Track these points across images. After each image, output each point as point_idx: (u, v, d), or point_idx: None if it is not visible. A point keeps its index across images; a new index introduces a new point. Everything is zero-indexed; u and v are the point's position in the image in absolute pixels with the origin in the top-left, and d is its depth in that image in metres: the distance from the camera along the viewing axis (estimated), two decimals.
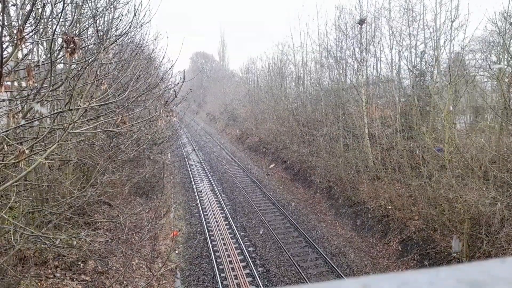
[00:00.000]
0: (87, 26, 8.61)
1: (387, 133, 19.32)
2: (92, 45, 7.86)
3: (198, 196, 24.46)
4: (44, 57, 8.80)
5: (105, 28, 9.08)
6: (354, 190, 20.31)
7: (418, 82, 20.13)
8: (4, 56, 4.06)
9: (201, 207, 22.21)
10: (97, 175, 9.68)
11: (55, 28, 5.23)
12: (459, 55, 16.83)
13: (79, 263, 10.77)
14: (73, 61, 5.58)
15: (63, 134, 4.43)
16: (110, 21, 9.88)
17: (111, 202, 14.11)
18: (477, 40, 19.05)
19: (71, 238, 7.95)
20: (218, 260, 15.29)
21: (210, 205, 22.55)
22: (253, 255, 15.94)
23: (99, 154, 10.73)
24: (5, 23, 5.55)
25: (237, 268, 14.55)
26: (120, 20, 9.89)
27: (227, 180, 28.82)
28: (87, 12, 8.45)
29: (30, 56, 8.14)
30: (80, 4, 7.82)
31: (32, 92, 5.06)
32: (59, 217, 8.88)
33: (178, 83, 5.62)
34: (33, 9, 5.26)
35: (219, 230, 18.51)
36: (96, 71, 5.00)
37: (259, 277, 13.88)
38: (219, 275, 14.14)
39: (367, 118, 20.95)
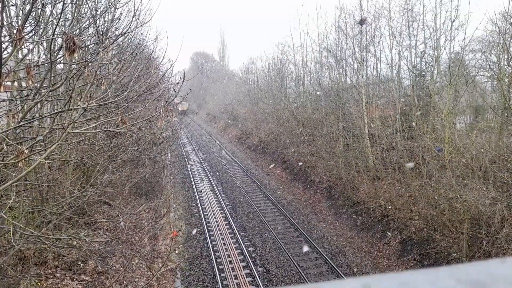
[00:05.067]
0: (87, 26, 8.61)
1: (387, 133, 19.32)
2: (92, 45, 7.86)
3: (198, 196, 24.47)
4: (44, 57, 8.80)
5: (105, 28, 9.09)
6: (354, 190, 20.31)
7: (418, 82, 20.13)
8: (4, 56, 4.06)
9: (201, 207, 22.22)
10: (97, 175, 9.68)
11: (55, 28, 5.23)
12: (459, 55, 16.83)
13: (79, 263, 10.77)
14: (73, 61, 5.58)
15: (63, 134, 4.43)
16: (110, 21, 9.89)
17: (111, 202, 14.12)
18: (477, 40, 19.06)
19: (71, 238, 7.95)
20: (218, 260, 15.29)
21: (210, 205, 22.55)
22: (253, 255, 15.94)
23: (99, 154, 10.73)
24: (5, 23, 5.55)
25: (237, 268, 14.55)
26: (120, 20, 9.90)
27: (227, 180, 28.83)
28: (87, 12, 8.45)
29: (30, 56, 8.14)
30: (80, 4, 7.82)
31: (32, 92, 5.05)
32: (59, 217, 8.88)
33: (178, 83, 5.62)
34: (33, 9, 5.26)
35: (219, 230, 18.51)
36: (96, 71, 5.00)
37: (259, 277, 13.88)
38: (219, 275, 14.14)
39: (367, 118, 20.96)
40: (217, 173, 31.07)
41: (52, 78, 4.64)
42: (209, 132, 59.92)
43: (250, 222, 19.72)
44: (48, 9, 7.08)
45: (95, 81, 4.86)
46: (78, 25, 7.55)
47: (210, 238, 17.50)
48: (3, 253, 7.44)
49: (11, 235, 5.94)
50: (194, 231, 17.38)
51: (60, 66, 8.66)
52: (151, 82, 7.43)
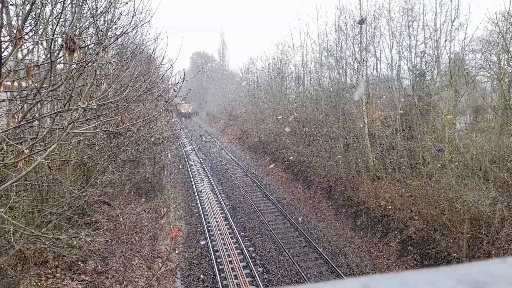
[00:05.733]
0: (87, 26, 8.61)
1: (387, 133, 19.31)
2: (92, 45, 7.86)
3: (198, 196, 24.47)
4: (44, 57, 8.80)
5: (105, 28, 9.08)
6: (354, 190, 20.31)
7: (418, 82, 20.13)
8: (4, 56, 4.05)
9: (201, 207, 22.22)
10: (97, 175, 9.67)
11: (55, 28, 5.23)
12: (459, 55, 16.82)
13: (79, 263, 10.77)
14: (73, 61, 5.58)
15: (62, 134, 4.43)
16: (110, 21, 9.88)
17: (111, 202, 14.12)
18: (478, 40, 19.06)
19: (71, 238, 7.94)
20: (218, 260, 15.29)
21: (210, 205, 22.55)
22: (253, 255, 15.94)
23: (99, 154, 10.74)
24: (5, 23, 5.55)
25: (237, 268, 14.55)
26: (120, 19, 9.90)
27: (227, 180, 28.83)
28: (87, 12, 8.45)
29: (30, 56, 8.14)
30: (80, 4, 7.82)
31: (32, 92, 5.06)
32: (59, 217, 8.88)
33: (177, 83, 5.62)
34: (33, 8, 5.26)
35: (219, 230, 18.51)
36: (96, 71, 5.00)
37: (259, 277, 13.88)
38: (219, 275, 14.14)
39: (367, 118, 20.96)
40: (217, 173, 31.07)
41: (52, 78, 4.64)
42: (209, 132, 59.90)
43: (250, 222, 19.72)
44: (48, 9, 7.09)
45: (95, 81, 4.86)
46: (78, 25, 7.55)
47: (210, 238, 17.50)
48: (3, 253, 7.43)
49: (11, 235, 5.94)
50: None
51: (60, 66, 8.66)
52: (151, 82, 7.42)
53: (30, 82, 3.84)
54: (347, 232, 18.37)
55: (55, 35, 5.42)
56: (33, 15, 6.63)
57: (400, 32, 19.87)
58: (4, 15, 5.87)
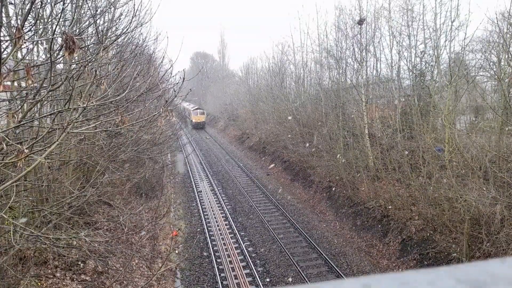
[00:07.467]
0: (87, 26, 8.61)
1: (387, 133, 19.31)
2: (92, 45, 7.86)
3: (198, 196, 24.46)
4: (44, 57, 8.80)
5: (105, 28, 9.07)
6: (354, 190, 20.30)
7: (418, 82, 20.12)
8: (3, 55, 4.05)
9: (201, 207, 22.21)
10: (97, 175, 9.68)
11: (55, 28, 5.23)
12: (459, 55, 16.81)
13: (79, 263, 10.77)
14: (73, 61, 5.58)
15: (62, 133, 4.43)
16: (110, 21, 9.87)
17: (111, 202, 14.11)
18: (478, 40, 19.05)
19: (71, 238, 7.94)
20: (218, 260, 15.29)
21: (210, 205, 22.55)
22: (253, 255, 15.94)
23: (99, 154, 10.74)
24: (4, 22, 5.55)
25: (237, 268, 14.55)
26: (120, 19, 9.89)
27: (227, 180, 28.82)
28: (87, 12, 8.45)
29: (30, 56, 8.14)
30: (80, 4, 7.82)
31: (32, 92, 5.05)
32: (59, 217, 8.88)
33: (178, 83, 5.61)
34: (32, 8, 5.25)
35: (219, 230, 18.51)
36: (96, 71, 5.00)
37: (259, 277, 13.88)
38: (219, 275, 14.14)
39: (367, 118, 20.95)
40: (217, 173, 31.06)
41: (52, 78, 4.64)
42: (209, 132, 59.88)
43: (250, 222, 19.72)
44: (48, 9, 7.09)
45: (95, 81, 4.86)
46: (78, 25, 7.55)
47: (210, 238, 17.50)
48: (3, 253, 7.43)
49: (11, 235, 5.94)
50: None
51: (60, 66, 8.66)
52: (151, 82, 7.42)
53: (30, 82, 3.84)
54: (347, 232, 18.36)
55: (55, 35, 5.42)
56: (33, 15, 6.63)
57: (400, 32, 19.88)
58: (3, 14, 5.88)
